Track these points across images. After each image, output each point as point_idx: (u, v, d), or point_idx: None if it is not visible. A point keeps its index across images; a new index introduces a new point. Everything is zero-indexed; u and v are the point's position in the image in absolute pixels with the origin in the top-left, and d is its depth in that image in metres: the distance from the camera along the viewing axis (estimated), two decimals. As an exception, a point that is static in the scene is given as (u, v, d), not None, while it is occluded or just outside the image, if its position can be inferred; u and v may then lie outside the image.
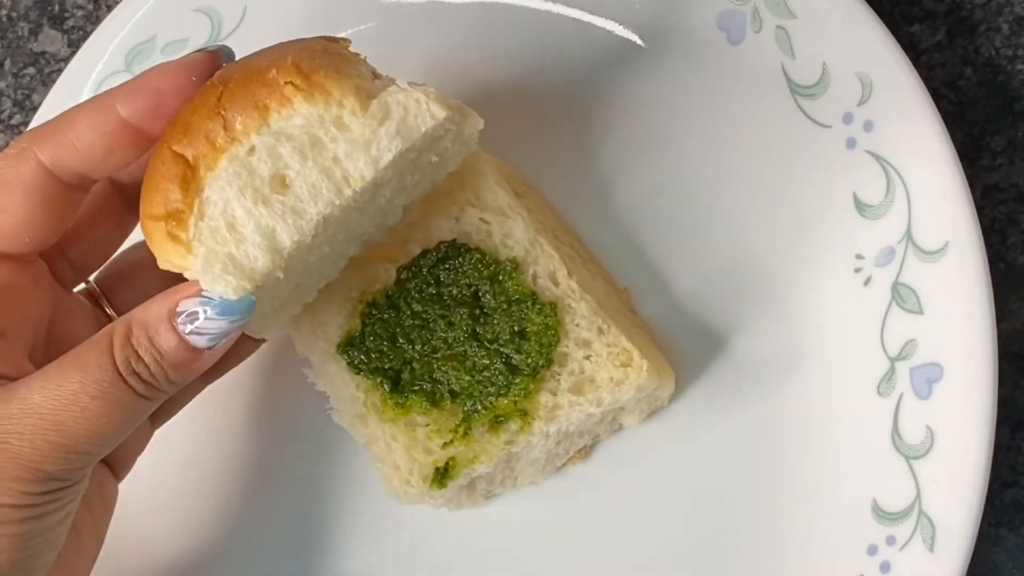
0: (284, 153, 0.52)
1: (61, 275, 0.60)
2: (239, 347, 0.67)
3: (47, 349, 0.58)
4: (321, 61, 0.53)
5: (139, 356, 0.51)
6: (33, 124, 0.73)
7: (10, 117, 0.81)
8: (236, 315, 0.52)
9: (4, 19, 0.82)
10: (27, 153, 0.54)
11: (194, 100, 0.53)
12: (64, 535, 0.54)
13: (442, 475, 0.62)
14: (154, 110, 0.54)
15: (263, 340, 0.68)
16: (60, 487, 0.51)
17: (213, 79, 0.53)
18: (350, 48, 0.56)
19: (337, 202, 0.52)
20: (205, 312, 0.51)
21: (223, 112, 0.52)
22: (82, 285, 0.62)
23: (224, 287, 0.51)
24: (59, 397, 0.50)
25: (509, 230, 0.64)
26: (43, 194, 0.54)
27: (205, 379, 0.66)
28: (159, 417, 0.65)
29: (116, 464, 0.62)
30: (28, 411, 0.50)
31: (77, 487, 0.53)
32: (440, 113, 0.53)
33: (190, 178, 0.52)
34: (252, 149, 0.52)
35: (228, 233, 0.52)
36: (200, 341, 0.52)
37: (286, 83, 0.52)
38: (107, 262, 0.63)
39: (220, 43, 0.56)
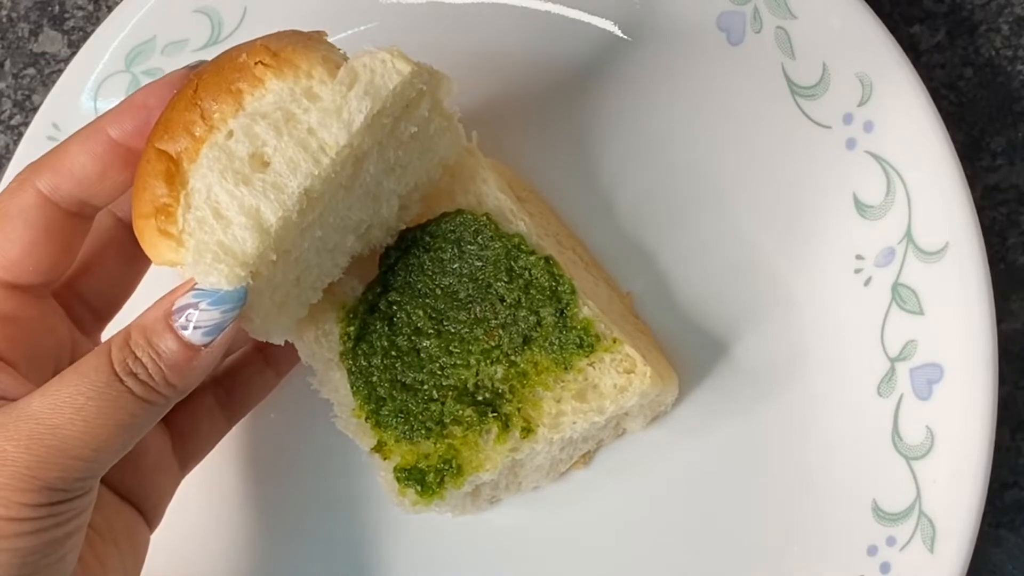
0: (260, 131, 0.52)
1: (80, 319, 0.60)
2: (261, 382, 0.67)
3: None
4: (289, 40, 0.53)
5: (136, 357, 0.51)
6: (33, 125, 0.73)
7: (10, 118, 0.81)
8: (229, 304, 0.52)
9: (4, 20, 0.82)
10: (26, 184, 0.55)
11: (173, 98, 0.54)
12: (71, 559, 0.52)
13: (430, 485, 0.62)
14: (142, 127, 0.54)
15: (283, 373, 0.68)
16: (59, 499, 0.50)
17: (190, 75, 0.54)
18: (327, 39, 0.56)
19: (316, 172, 0.52)
20: (198, 305, 0.51)
21: (200, 103, 0.52)
22: None
23: (217, 276, 0.51)
24: (55, 401, 0.50)
25: None
26: (44, 222, 0.55)
27: (229, 420, 0.67)
28: (188, 461, 0.65)
29: (147, 509, 0.61)
30: (24, 417, 0.49)
31: (78, 502, 0.51)
32: (405, 68, 0.53)
33: (174, 172, 0.52)
34: (230, 133, 0.52)
35: (215, 220, 0.52)
36: (196, 336, 0.51)
37: (256, 63, 0.52)
38: None
39: (200, 60, 0.57)
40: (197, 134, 0.52)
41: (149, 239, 0.53)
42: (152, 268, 0.60)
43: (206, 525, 0.71)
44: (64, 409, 0.49)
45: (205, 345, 0.52)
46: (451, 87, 0.57)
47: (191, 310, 0.51)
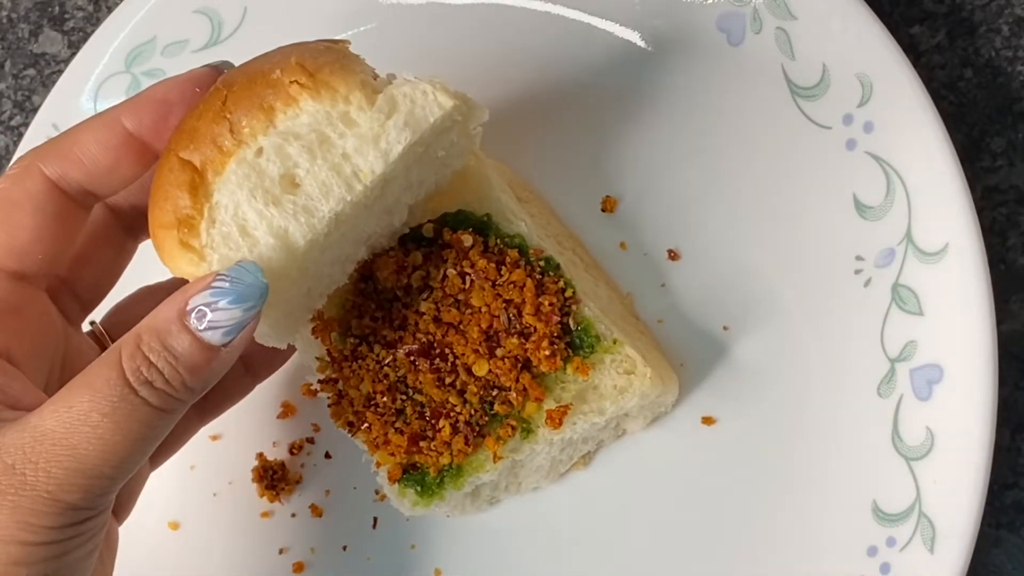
0: (293, 152, 0.52)
1: (67, 311, 0.59)
2: (238, 386, 0.66)
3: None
4: (325, 59, 0.53)
5: (151, 363, 0.48)
6: (33, 125, 0.73)
7: (10, 118, 0.81)
8: (250, 301, 0.49)
9: (4, 20, 0.82)
10: (32, 169, 0.53)
11: (199, 107, 0.53)
12: (90, 573, 0.50)
13: (429, 485, 0.61)
14: (159, 122, 0.53)
15: (261, 379, 0.67)
16: (82, 518, 0.48)
17: (217, 84, 0.53)
18: (350, 48, 0.56)
19: (349, 198, 0.52)
20: (217, 304, 0.49)
21: (229, 116, 0.52)
22: (87, 327, 0.61)
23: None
24: (70, 420, 0.47)
25: None
26: (52, 208, 0.53)
27: (201, 417, 0.65)
28: (157, 458, 0.63)
29: (117, 506, 0.59)
30: (40, 439, 0.47)
31: (100, 518, 0.50)
32: (448, 103, 0.53)
33: (199, 184, 0.52)
34: (260, 151, 0.52)
35: (240, 238, 0.51)
36: (215, 336, 0.49)
37: (291, 82, 0.52)
38: (111, 309, 0.62)
39: (223, 60, 0.57)
40: (225, 147, 0.52)
41: (169, 250, 0.52)
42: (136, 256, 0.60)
43: (201, 522, 0.71)
44: (80, 428, 0.47)
45: (224, 345, 0.49)
46: (484, 116, 0.57)
47: (207, 309, 0.49)
